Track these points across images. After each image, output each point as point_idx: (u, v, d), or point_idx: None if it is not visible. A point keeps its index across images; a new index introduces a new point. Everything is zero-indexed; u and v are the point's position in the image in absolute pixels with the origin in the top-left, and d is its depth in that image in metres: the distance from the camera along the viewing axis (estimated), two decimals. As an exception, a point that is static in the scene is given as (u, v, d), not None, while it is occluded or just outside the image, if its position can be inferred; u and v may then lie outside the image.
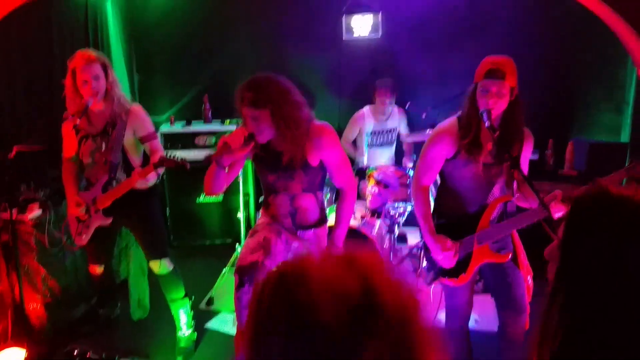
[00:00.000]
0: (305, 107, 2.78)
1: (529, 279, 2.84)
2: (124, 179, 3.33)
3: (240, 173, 4.75)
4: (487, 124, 2.57)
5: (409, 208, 4.45)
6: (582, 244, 1.07)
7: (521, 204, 2.86)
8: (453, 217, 2.85)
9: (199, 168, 5.27)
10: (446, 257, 2.73)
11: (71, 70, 3.20)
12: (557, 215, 2.59)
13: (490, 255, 2.75)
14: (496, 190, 2.78)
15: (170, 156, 3.21)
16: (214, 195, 2.96)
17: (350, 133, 5.04)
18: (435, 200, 2.98)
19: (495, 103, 2.57)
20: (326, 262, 0.86)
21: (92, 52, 3.25)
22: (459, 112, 2.77)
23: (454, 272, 2.80)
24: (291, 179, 2.87)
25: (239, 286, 2.82)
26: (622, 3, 3.31)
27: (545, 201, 2.57)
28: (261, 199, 3.31)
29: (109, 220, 3.39)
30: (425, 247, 2.89)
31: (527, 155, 2.81)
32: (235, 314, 3.00)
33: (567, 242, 1.11)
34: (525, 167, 2.77)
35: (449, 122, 2.78)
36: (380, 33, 5.41)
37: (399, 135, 5.14)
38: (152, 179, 3.38)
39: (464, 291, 2.87)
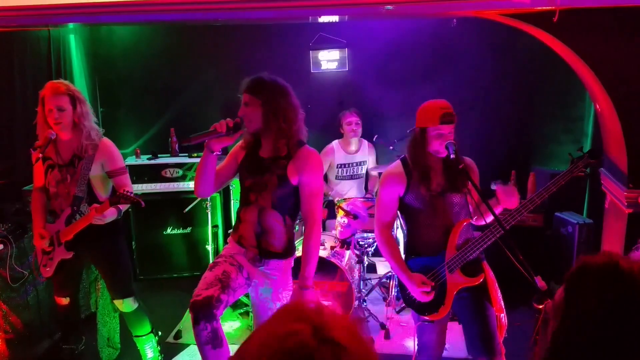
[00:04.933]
0: (299, 114, 2.87)
1: (503, 317, 2.87)
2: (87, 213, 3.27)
3: (209, 206, 4.73)
4: (452, 155, 2.69)
5: (377, 239, 4.49)
6: (587, 313, 1.07)
7: (479, 223, 2.97)
8: (424, 252, 2.91)
9: (165, 201, 5.31)
10: (424, 293, 2.80)
11: (41, 99, 3.22)
12: (514, 203, 2.75)
13: (464, 280, 2.81)
14: (459, 216, 2.88)
15: (127, 193, 3.16)
16: (203, 197, 2.99)
17: None
18: (406, 241, 3.05)
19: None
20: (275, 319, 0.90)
21: (62, 84, 3.24)
22: (402, 155, 2.96)
23: (434, 307, 2.84)
24: (264, 188, 2.84)
25: (195, 323, 2.73)
26: (579, 41, 3.46)
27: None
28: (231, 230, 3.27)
29: (70, 255, 3.31)
30: (400, 286, 2.95)
31: (475, 180, 2.92)
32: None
33: (570, 306, 1.10)
34: (474, 192, 2.86)
35: (394, 164, 2.97)
36: (347, 67, 5.52)
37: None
38: (109, 215, 3.25)
39: (436, 327, 2.90)
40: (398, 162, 2.95)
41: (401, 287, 2.95)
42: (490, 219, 2.86)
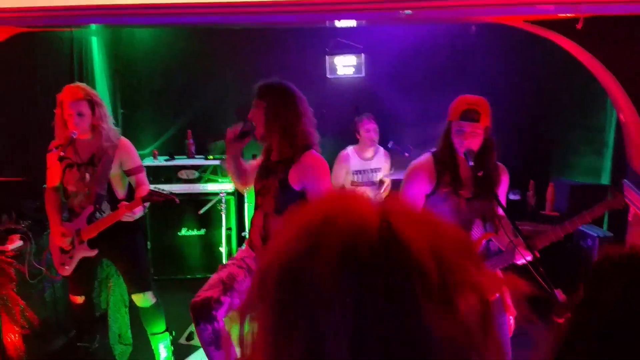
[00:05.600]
0: (305, 118, 2.84)
1: (511, 319, 2.81)
2: (108, 211, 3.33)
3: (223, 208, 4.73)
4: (470, 163, 2.59)
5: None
6: (603, 300, 1.05)
7: (495, 242, 2.85)
8: None
9: (180, 202, 5.29)
10: None
11: (59, 102, 3.26)
12: (522, 261, 2.60)
13: None
14: (476, 228, 2.78)
15: (158, 190, 3.22)
16: (241, 189, 3.28)
17: (339, 175, 4.92)
18: None
19: (470, 143, 2.61)
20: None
21: (80, 89, 3.27)
22: (434, 149, 2.80)
23: None
24: (268, 192, 2.85)
25: (195, 324, 2.75)
26: (603, 49, 3.41)
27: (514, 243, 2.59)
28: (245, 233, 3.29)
29: (95, 252, 3.35)
30: None
31: (503, 189, 2.85)
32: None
33: (588, 293, 1.08)
34: (502, 201, 2.78)
35: (424, 158, 2.81)
36: (363, 72, 5.49)
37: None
38: (138, 212, 3.39)
39: None
40: (428, 156, 2.78)
41: None
42: (500, 244, 2.77)
